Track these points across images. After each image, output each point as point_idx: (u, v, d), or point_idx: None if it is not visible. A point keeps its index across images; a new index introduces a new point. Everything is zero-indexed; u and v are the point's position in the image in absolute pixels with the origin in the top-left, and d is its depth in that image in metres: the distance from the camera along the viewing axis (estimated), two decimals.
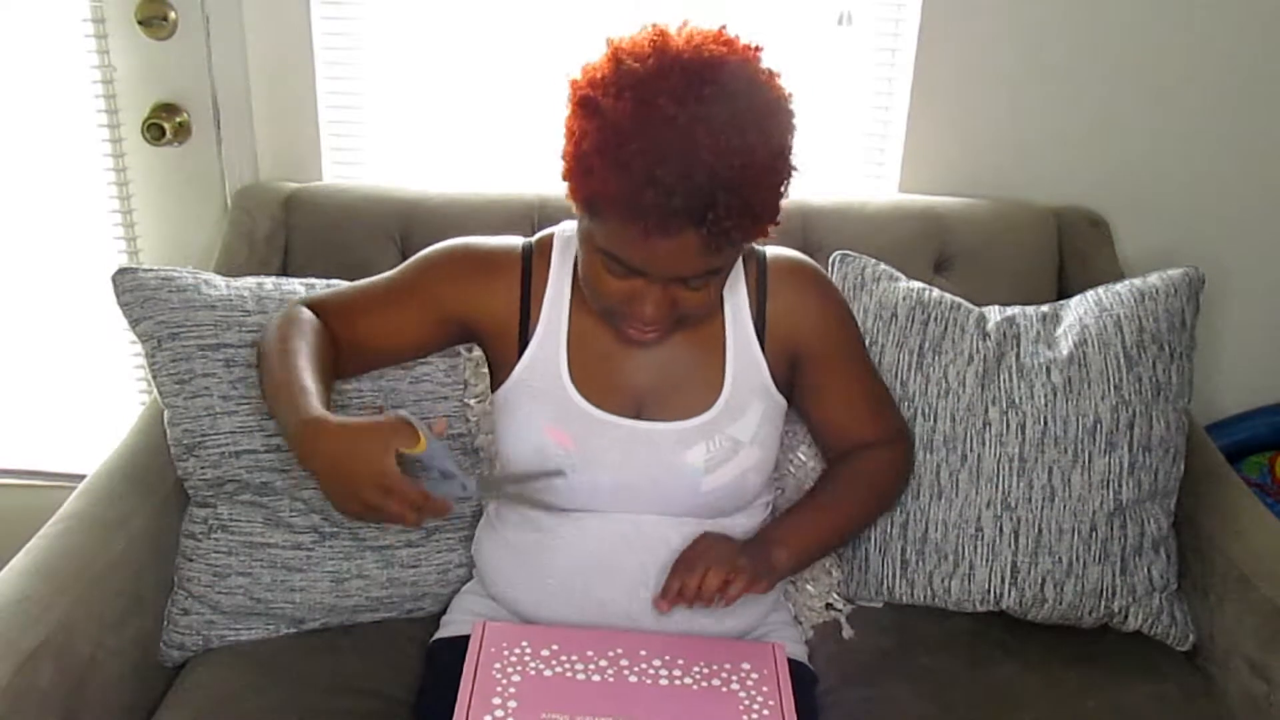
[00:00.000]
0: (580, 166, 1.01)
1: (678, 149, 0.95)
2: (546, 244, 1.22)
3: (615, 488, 1.17)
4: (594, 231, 1.05)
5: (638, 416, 1.18)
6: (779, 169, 1.01)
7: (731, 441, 1.17)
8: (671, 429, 1.17)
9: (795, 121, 1.04)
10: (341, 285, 1.30)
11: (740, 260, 1.18)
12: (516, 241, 1.23)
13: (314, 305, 1.24)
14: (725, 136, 0.95)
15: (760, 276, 1.21)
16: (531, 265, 1.20)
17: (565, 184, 1.04)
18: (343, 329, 1.22)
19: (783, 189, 1.03)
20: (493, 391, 1.24)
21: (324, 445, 1.02)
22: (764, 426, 1.19)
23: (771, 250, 1.24)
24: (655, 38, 1.00)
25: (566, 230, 1.22)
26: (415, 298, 1.22)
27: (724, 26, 1.03)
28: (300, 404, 1.05)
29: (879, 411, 1.29)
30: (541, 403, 1.17)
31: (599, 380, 1.18)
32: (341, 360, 1.22)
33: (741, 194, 0.97)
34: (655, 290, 1.06)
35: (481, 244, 1.23)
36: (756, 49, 1.03)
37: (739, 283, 1.20)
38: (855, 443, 1.27)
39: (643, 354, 1.18)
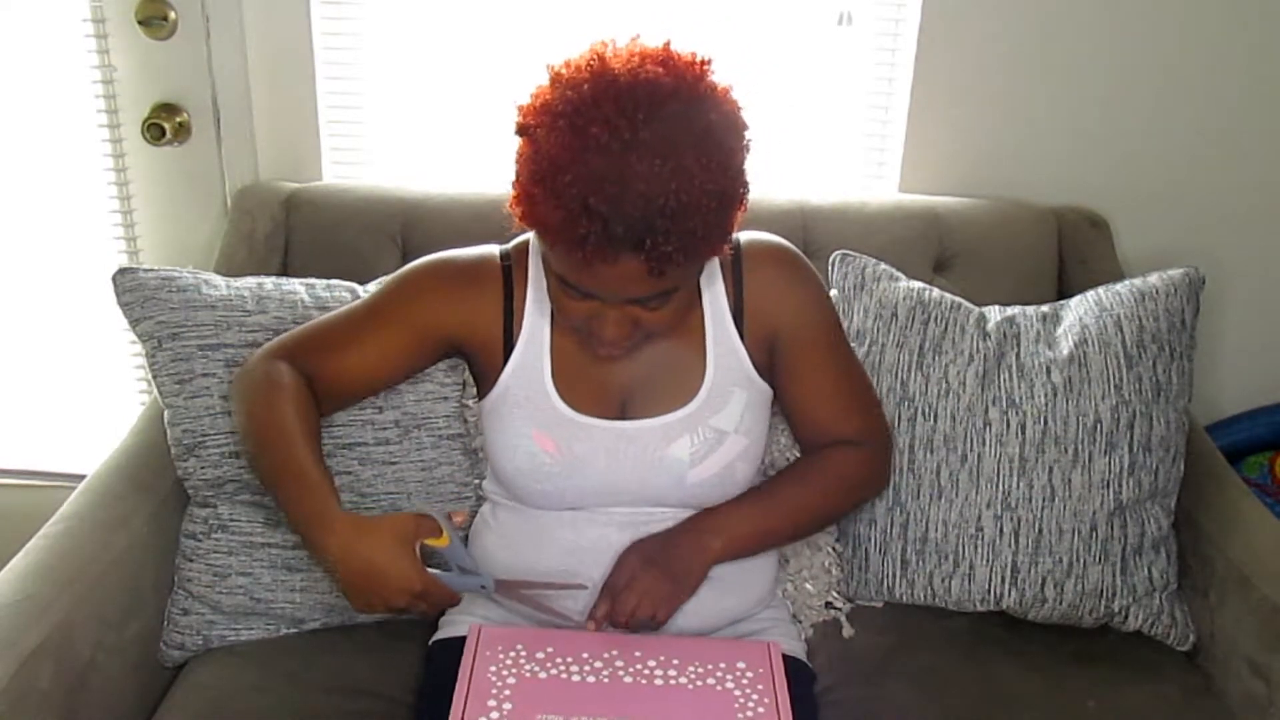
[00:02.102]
0: (524, 194, 1.00)
1: (611, 177, 0.94)
2: (523, 251, 1.21)
3: (603, 488, 1.18)
4: (548, 256, 1.05)
5: (622, 415, 1.18)
6: (723, 190, 0.99)
7: (715, 432, 1.17)
8: (655, 424, 1.17)
9: (747, 136, 1.02)
10: (305, 326, 1.24)
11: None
12: (493, 250, 1.22)
13: (288, 352, 1.19)
14: (660, 161, 0.94)
15: (736, 263, 1.20)
16: (511, 274, 1.20)
17: (513, 211, 1.03)
18: (323, 369, 1.19)
19: (732, 209, 1.02)
20: (479, 400, 1.24)
21: (349, 550, 1.03)
22: (748, 415, 1.19)
23: (746, 235, 1.22)
24: (593, 61, 0.99)
25: None
26: (402, 319, 1.20)
27: (669, 42, 1.02)
28: (318, 505, 1.06)
29: (856, 409, 1.26)
30: (527, 410, 1.17)
31: (582, 385, 1.18)
32: (319, 405, 1.19)
33: (680, 219, 0.95)
34: (613, 311, 1.05)
35: (461, 256, 1.22)
36: (703, 64, 1.01)
37: (715, 271, 1.20)
38: (829, 438, 1.25)
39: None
